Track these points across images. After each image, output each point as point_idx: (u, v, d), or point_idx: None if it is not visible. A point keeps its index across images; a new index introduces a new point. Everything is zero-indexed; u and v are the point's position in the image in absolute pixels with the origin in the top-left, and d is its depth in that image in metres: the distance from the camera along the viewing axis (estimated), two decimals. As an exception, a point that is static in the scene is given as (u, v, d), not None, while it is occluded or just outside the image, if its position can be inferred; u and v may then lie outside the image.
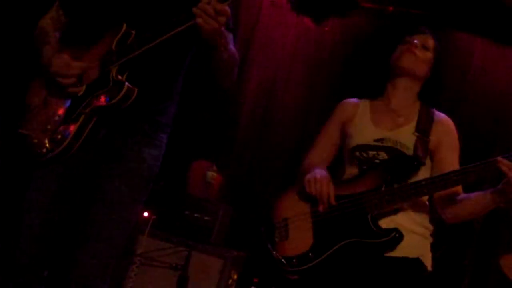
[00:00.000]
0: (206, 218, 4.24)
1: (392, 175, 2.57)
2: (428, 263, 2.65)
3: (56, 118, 2.41)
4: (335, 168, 2.83)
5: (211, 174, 4.62)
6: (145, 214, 4.20)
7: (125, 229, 2.45)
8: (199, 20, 2.22)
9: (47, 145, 2.38)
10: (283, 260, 2.62)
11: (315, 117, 4.90)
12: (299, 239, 2.64)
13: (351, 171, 2.73)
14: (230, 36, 2.49)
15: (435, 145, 2.68)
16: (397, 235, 2.51)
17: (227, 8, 2.24)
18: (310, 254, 2.59)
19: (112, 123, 2.42)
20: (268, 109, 5.10)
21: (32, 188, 2.44)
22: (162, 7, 2.42)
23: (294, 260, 2.60)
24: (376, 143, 2.68)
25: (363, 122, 2.76)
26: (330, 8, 4.90)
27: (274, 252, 2.65)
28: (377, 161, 2.66)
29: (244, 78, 5.10)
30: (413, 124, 2.70)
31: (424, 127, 2.68)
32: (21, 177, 2.54)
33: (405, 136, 2.67)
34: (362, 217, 2.55)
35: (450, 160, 2.67)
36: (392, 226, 2.55)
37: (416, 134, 2.65)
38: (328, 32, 5.01)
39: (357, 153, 2.70)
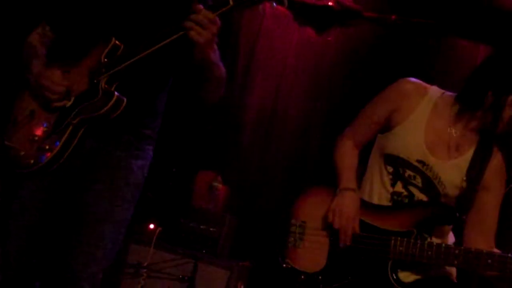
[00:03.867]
0: (211, 229, 4.25)
1: (427, 225, 2.43)
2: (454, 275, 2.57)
3: (44, 129, 2.41)
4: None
5: (216, 185, 4.62)
6: (151, 226, 4.22)
7: (115, 240, 2.45)
8: (192, 32, 2.21)
9: (35, 155, 2.37)
10: (291, 270, 2.53)
11: (318, 127, 4.91)
12: (313, 254, 2.54)
13: (380, 175, 2.58)
14: (217, 53, 2.48)
15: (483, 186, 2.47)
16: None
17: (217, 18, 2.23)
18: (320, 277, 2.49)
19: (99, 134, 2.43)
20: (271, 119, 5.10)
21: (19, 200, 2.43)
22: (149, 20, 2.42)
23: (302, 276, 2.51)
24: (417, 164, 2.49)
25: (416, 132, 2.50)
26: (332, 18, 4.92)
27: (284, 258, 2.55)
28: (410, 186, 2.51)
29: (247, 88, 5.10)
30: (466, 158, 2.48)
31: (478, 168, 2.46)
32: (5, 188, 2.53)
33: (450, 175, 2.48)
34: (382, 261, 2.42)
35: (494, 205, 2.50)
36: (411, 278, 2.44)
37: (465, 179, 2.45)
38: (330, 42, 5.01)
39: (395, 165, 2.53)
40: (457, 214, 2.43)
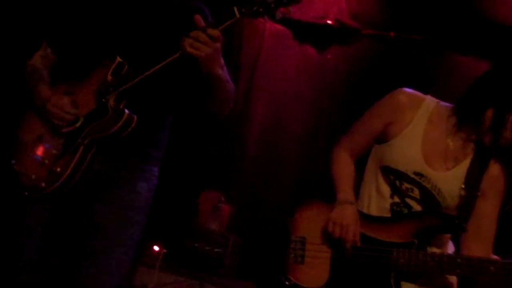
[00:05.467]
0: (216, 250, 4.24)
1: (427, 234, 2.43)
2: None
3: (54, 151, 2.39)
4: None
5: (220, 205, 4.62)
6: (156, 248, 4.21)
7: (123, 261, 2.45)
8: (190, 49, 2.21)
9: (46, 179, 2.37)
10: (294, 286, 2.50)
11: (322, 142, 4.91)
12: (315, 269, 2.52)
13: (378, 187, 2.58)
14: (225, 68, 2.46)
15: (481, 193, 2.46)
16: None
17: (219, 33, 2.23)
18: None
19: (107, 156, 2.42)
20: (274, 137, 5.10)
21: (27, 224, 2.43)
22: (152, 36, 2.42)
23: None
24: (414, 176, 2.47)
25: (413, 145, 2.49)
26: (332, 36, 4.95)
27: (286, 275, 2.53)
28: (408, 199, 2.50)
29: (250, 106, 5.12)
30: (464, 167, 2.46)
31: (475, 176, 2.45)
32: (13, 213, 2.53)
33: (449, 186, 2.46)
34: (385, 273, 2.41)
35: (492, 213, 2.47)
36: None
37: (463, 187, 2.45)
38: (330, 59, 5.04)
39: (392, 177, 2.52)
40: (457, 222, 2.41)
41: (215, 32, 2.22)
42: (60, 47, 2.57)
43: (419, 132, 2.49)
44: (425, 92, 2.62)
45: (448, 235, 2.58)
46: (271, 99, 5.12)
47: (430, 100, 2.55)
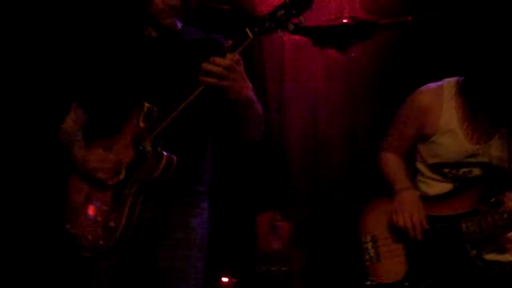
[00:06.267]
0: (283, 268, 4.24)
1: (489, 197, 2.42)
2: None
3: (104, 208, 2.43)
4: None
5: (278, 224, 4.61)
6: (225, 279, 4.22)
7: None
8: (213, 80, 2.19)
9: (103, 236, 2.40)
10: (377, 286, 2.53)
11: (363, 142, 4.88)
12: (392, 264, 2.53)
13: (435, 180, 2.58)
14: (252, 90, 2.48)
15: None
16: (503, 268, 2.38)
17: (239, 56, 2.24)
18: (406, 283, 2.48)
19: (155, 200, 2.45)
20: (314, 143, 5.08)
21: (93, 281, 2.47)
22: (176, 77, 2.43)
23: None
24: (469, 160, 2.48)
25: (454, 134, 2.49)
26: (350, 34, 4.93)
27: (367, 277, 2.55)
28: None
29: (286, 120, 5.11)
30: (506, 124, 2.46)
31: None
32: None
33: (500, 146, 2.46)
34: (460, 246, 2.40)
35: None
36: (496, 255, 2.43)
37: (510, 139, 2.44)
38: (355, 57, 5.01)
39: (446, 170, 2.53)
40: None
41: (235, 56, 2.22)
42: (89, 106, 2.63)
43: (453, 120, 2.51)
44: (457, 70, 2.58)
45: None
46: (305, 109, 5.11)
47: (448, 85, 2.54)
